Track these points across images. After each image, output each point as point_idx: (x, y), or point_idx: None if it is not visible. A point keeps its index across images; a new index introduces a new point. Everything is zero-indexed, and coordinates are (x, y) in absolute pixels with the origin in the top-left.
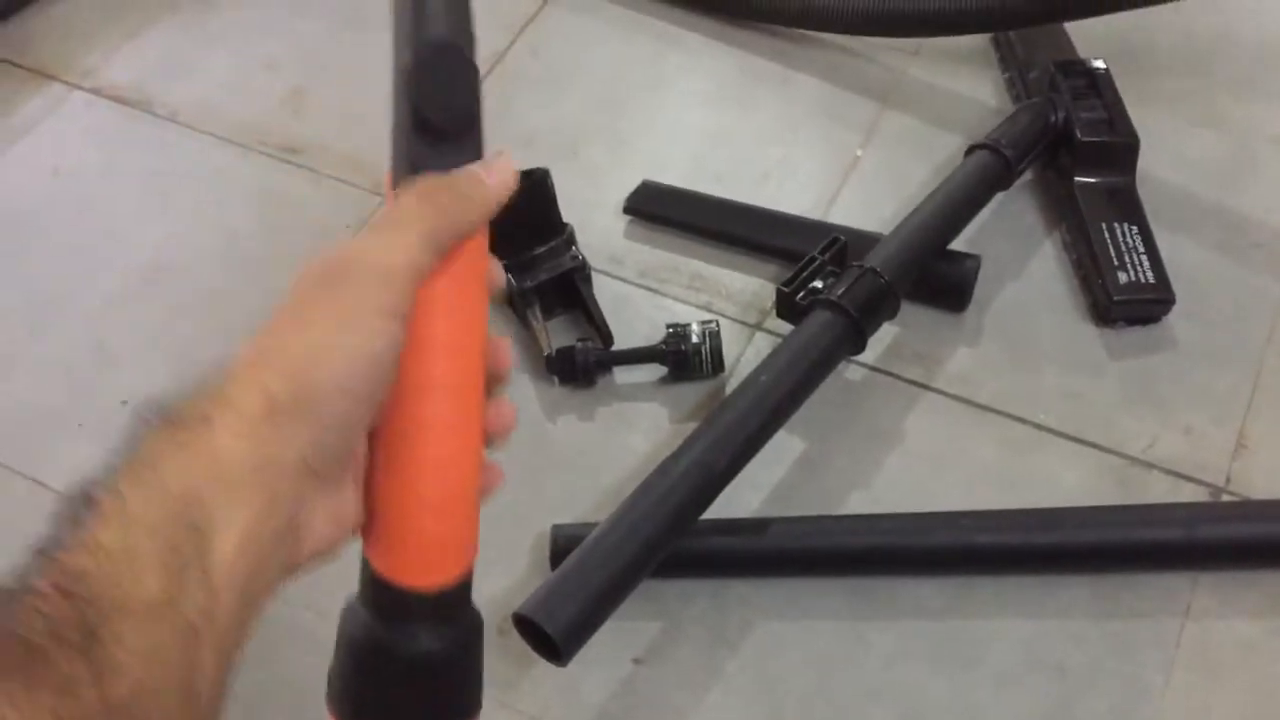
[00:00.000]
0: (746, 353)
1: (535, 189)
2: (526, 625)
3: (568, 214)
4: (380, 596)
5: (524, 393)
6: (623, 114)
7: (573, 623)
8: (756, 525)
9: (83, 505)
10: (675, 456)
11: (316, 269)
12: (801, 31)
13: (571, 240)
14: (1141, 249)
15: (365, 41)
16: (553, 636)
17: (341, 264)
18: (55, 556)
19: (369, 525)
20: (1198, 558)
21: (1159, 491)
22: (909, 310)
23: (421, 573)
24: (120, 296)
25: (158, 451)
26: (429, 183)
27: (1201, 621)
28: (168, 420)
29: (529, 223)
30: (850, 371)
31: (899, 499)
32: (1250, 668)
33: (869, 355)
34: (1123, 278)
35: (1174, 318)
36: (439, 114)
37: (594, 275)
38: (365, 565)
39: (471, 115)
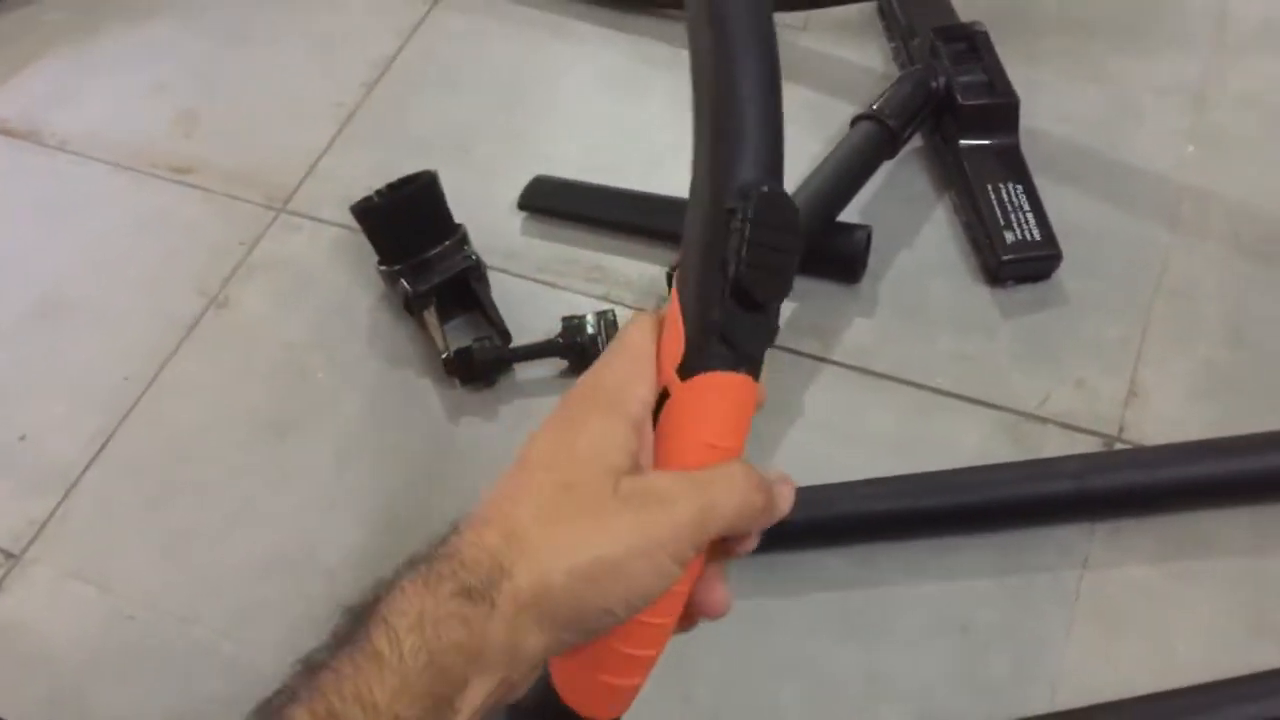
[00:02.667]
0: None
1: (423, 191)
2: None
3: (463, 213)
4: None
5: (425, 397)
6: (516, 110)
7: None
8: None
9: (360, 621)
10: None
11: (622, 466)
12: None
13: (464, 240)
14: (1027, 207)
15: (253, 56)
16: None
17: (648, 485)
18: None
19: (563, 659)
20: (1092, 508)
21: (1055, 445)
22: (804, 285)
23: (603, 709)
24: (14, 330)
25: (441, 614)
26: (738, 476)
27: (1100, 571)
28: (461, 584)
29: (420, 226)
30: None
31: (801, 472)
32: (1149, 612)
33: None
34: (1010, 237)
35: (1063, 273)
36: (763, 289)
37: (491, 273)
38: (548, 686)
39: (790, 285)
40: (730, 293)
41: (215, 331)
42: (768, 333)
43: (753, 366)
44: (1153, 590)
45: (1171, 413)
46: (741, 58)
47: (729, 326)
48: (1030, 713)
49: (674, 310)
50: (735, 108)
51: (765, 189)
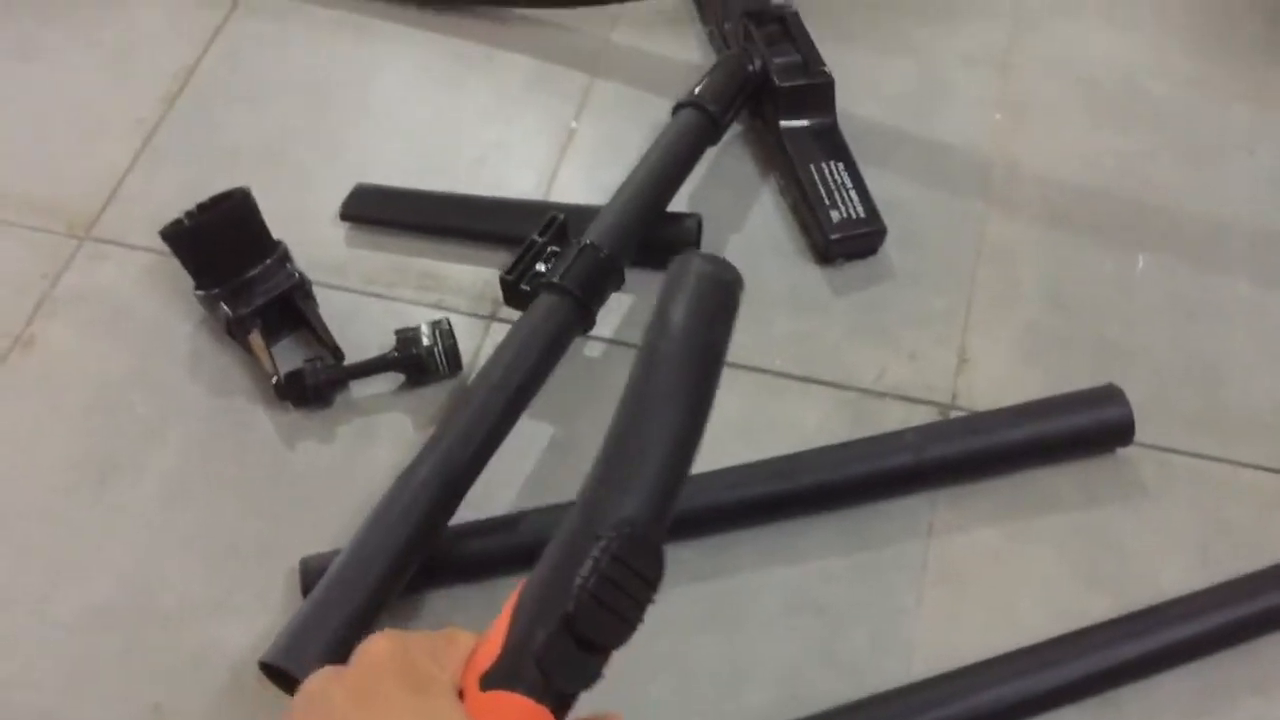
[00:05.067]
0: (484, 346)
1: (236, 209)
2: (275, 672)
3: (282, 228)
4: None
5: (258, 423)
6: (329, 117)
7: (321, 661)
8: (511, 521)
9: None
10: (413, 467)
11: None
12: (503, 10)
13: (286, 257)
14: (850, 184)
15: (42, 76)
16: (300, 680)
17: None
18: None
19: None
20: (932, 477)
21: (894, 418)
22: (640, 277)
23: None
24: None
25: None
26: None
27: (944, 537)
28: None
29: (236, 245)
30: (588, 348)
31: None
32: (994, 573)
33: (605, 328)
34: (835, 215)
35: (889, 247)
36: (600, 629)
37: (318, 289)
38: None
39: (629, 637)
40: (565, 621)
41: (20, 374)
42: (588, 676)
43: (561, 704)
44: (995, 552)
45: (1000, 377)
46: (670, 404)
47: (551, 655)
48: (890, 685)
49: (504, 616)
50: (645, 444)
51: (642, 531)
